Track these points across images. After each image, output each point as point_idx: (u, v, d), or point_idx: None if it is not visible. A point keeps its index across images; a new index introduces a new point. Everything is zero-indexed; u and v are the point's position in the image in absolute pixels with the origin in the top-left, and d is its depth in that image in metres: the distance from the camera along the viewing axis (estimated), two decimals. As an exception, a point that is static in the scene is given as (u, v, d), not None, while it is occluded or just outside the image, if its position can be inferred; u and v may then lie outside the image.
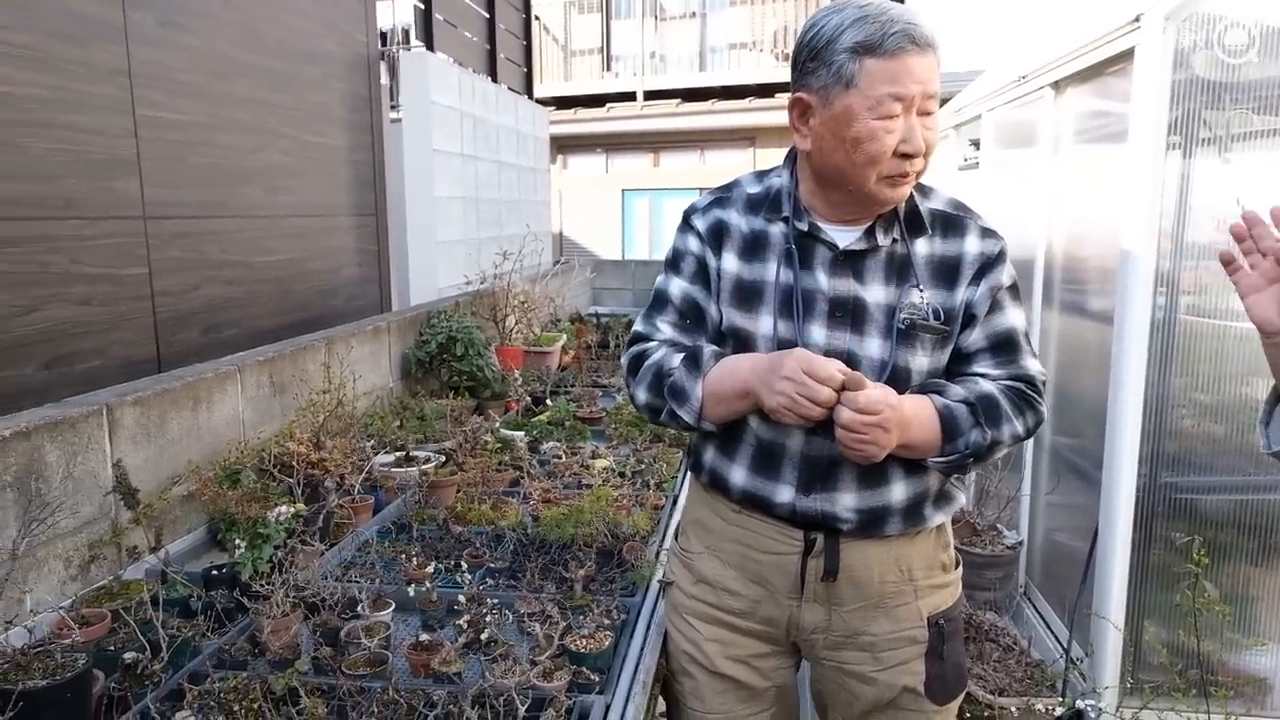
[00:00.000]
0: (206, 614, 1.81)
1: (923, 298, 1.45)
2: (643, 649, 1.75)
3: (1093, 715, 2.22)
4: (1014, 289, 1.52)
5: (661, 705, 1.95)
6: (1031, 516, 3.13)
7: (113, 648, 1.65)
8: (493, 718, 1.45)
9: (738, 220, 1.56)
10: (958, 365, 1.52)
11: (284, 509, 2.05)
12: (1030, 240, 3.12)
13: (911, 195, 1.49)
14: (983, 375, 1.50)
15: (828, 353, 1.46)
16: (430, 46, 5.26)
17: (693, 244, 1.59)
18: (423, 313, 3.84)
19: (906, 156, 1.37)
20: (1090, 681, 2.37)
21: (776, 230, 1.53)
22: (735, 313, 1.54)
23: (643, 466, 2.82)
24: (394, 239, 4.74)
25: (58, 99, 2.48)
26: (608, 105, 12.78)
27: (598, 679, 1.63)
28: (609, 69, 14.14)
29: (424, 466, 2.73)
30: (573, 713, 1.51)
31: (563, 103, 13.14)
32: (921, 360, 1.47)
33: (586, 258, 10.98)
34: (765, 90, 12.29)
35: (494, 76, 6.44)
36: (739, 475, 1.57)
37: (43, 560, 1.79)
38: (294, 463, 2.33)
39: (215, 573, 1.98)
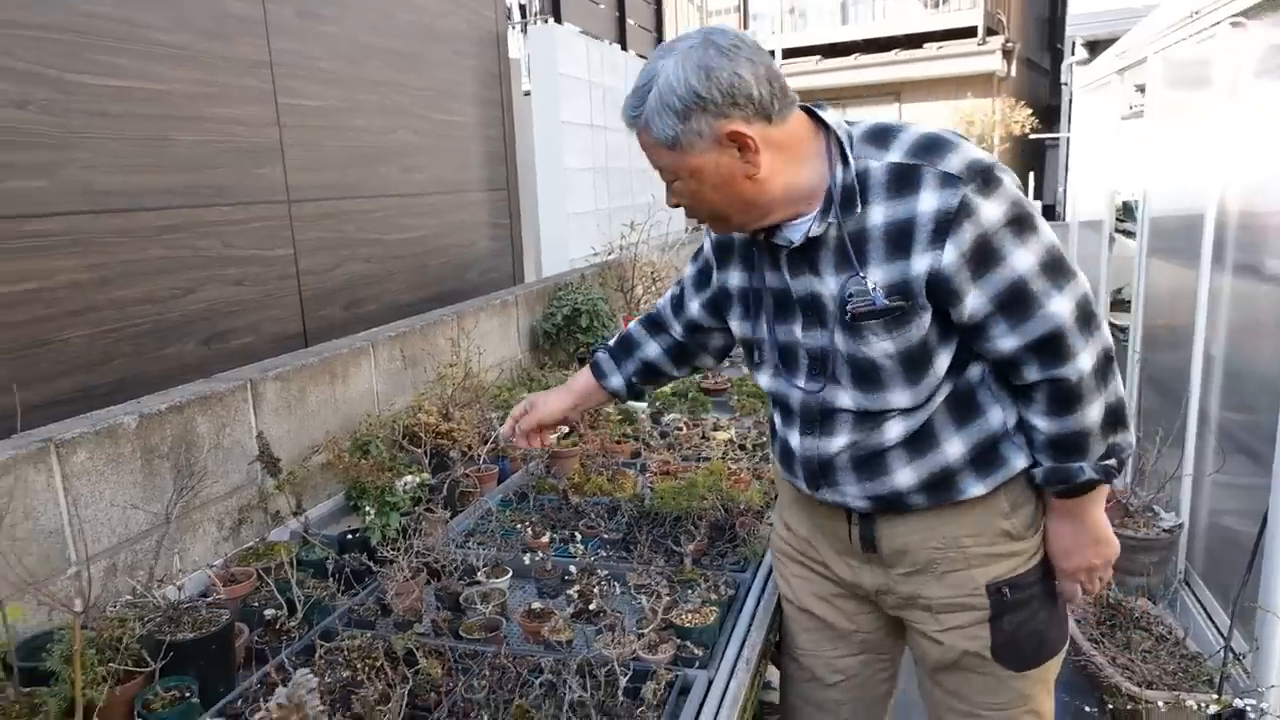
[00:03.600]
0: (339, 576, 1.92)
1: (865, 282, 1.33)
2: (750, 626, 1.73)
3: (1253, 715, 2.03)
4: (1015, 224, 1.28)
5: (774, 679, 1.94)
6: (1194, 498, 2.88)
7: (256, 604, 1.78)
8: (594, 687, 1.48)
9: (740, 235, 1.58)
10: (976, 340, 1.36)
11: (411, 478, 2.16)
12: (1200, 194, 2.83)
13: (863, 157, 1.33)
14: (1008, 353, 1.33)
15: (809, 351, 1.47)
16: (558, 18, 5.30)
17: (706, 245, 1.71)
18: (550, 285, 3.91)
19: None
20: (1253, 679, 2.17)
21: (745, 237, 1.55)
22: (736, 321, 1.62)
23: (764, 439, 2.78)
24: (526, 212, 4.85)
25: (206, 93, 2.66)
26: (744, 66, 12.52)
27: (701, 654, 1.62)
28: (745, 28, 13.85)
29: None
30: (674, 686, 1.51)
31: (698, 66, 12.96)
32: (884, 345, 1.35)
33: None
34: (913, 40, 11.72)
35: (624, 44, 6.43)
36: (775, 462, 1.70)
37: (198, 523, 1.96)
38: (422, 434, 2.44)
39: (349, 537, 2.11)
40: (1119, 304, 4.32)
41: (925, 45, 12.04)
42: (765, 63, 1.29)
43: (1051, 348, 1.31)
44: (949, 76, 12.39)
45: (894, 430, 1.42)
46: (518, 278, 4.72)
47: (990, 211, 1.26)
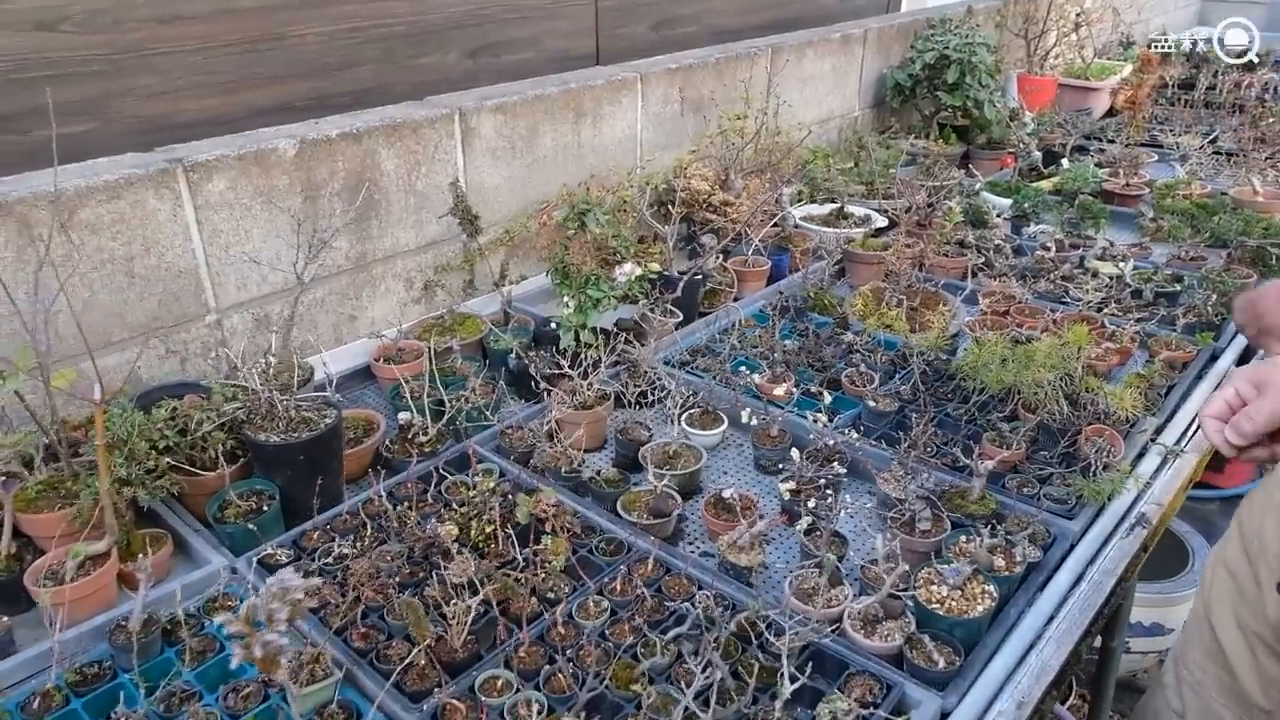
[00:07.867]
0: (514, 383, 1.53)
1: None
2: (1047, 627, 1.05)
3: None
4: None
5: None
6: None
7: (409, 395, 1.44)
8: (746, 670, 0.94)
9: None
10: None
11: (631, 267, 1.64)
12: None
13: None
14: None
15: None
16: None
17: None
18: (920, 20, 2.95)
19: None
20: None
21: None
22: None
23: (1177, 288, 1.84)
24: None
25: None
26: None
27: (943, 662, 1.00)
28: None
29: (851, 231, 2.10)
30: (879, 707, 0.93)
31: None
32: None
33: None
34: None
35: None
36: None
37: (379, 278, 1.64)
38: (674, 205, 1.88)
39: (551, 326, 1.67)
40: None
41: None
42: None
43: None
44: None
45: None
46: (893, 7, 3.71)
47: None
